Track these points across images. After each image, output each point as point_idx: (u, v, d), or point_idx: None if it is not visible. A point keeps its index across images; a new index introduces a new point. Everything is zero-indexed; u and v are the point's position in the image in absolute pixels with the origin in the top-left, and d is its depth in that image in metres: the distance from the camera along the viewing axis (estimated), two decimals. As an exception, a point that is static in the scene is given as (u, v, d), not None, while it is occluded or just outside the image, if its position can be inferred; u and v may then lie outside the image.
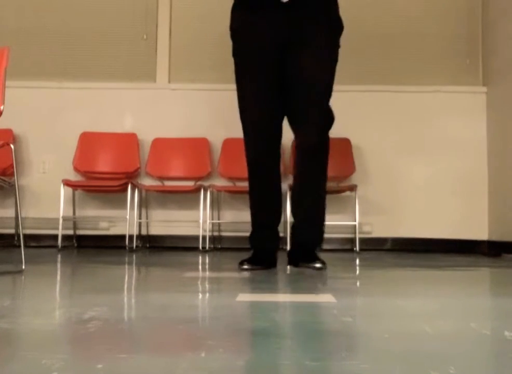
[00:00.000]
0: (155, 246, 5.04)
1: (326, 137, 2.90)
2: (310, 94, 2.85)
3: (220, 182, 5.01)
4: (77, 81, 5.20)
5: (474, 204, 5.09)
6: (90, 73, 5.23)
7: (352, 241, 4.97)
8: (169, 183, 5.08)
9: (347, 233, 5.05)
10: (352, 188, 4.83)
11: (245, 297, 1.93)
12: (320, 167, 2.91)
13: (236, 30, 2.96)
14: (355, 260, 3.98)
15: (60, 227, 4.67)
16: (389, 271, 3.10)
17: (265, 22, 2.86)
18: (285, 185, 2.99)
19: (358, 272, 3.17)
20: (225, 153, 5.02)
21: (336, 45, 2.94)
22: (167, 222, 5.07)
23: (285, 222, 4.14)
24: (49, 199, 4.97)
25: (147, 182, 5.06)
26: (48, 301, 1.82)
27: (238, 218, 4.89)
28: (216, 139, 5.07)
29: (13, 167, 2.91)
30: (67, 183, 4.72)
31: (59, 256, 4.00)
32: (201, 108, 5.14)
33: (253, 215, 3.02)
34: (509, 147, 4.67)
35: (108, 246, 4.90)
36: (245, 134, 2.94)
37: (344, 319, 1.48)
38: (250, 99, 2.91)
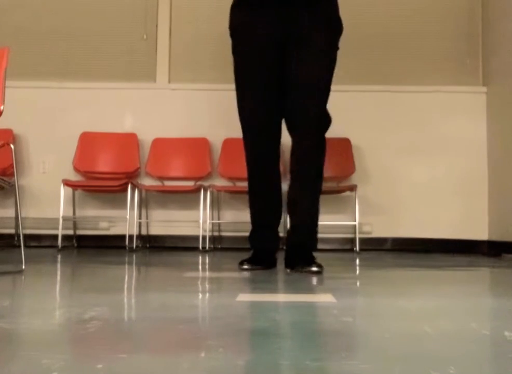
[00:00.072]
0: (155, 246, 5.04)
1: (323, 139, 2.87)
2: (307, 94, 2.83)
3: (220, 182, 5.01)
4: (77, 81, 5.20)
5: (474, 204, 5.09)
6: (90, 73, 5.23)
7: (352, 241, 4.97)
8: (169, 183, 5.08)
9: (347, 233, 5.05)
10: (352, 188, 4.83)
11: (245, 297, 1.93)
12: (316, 169, 2.87)
13: (235, 29, 2.95)
14: (355, 260, 3.98)
15: (60, 227, 4.67)
16: (389, 271, 3.10)
17: (264, 20, 2.85)
18: (286, 185, 2.97)
19: (358, 272, 3.17)
20: (225, 153, 5.02)
21: (335, 46, 2.92)
22: (167, 222, 5.07)
23: (285, 221, 4.15)
24: (49, 199, 4.97)
25: (147, 182, 5.06)
26: (48, 301, 1.82)
27: (238, 218, 4.89)
28: (216, 139, 5.07)
29: (13, 167, 2.91)
30: (67, 183, 4.72)
31: (59, 256, 4.00)
32: (201, 108, 5.14)
33: (253, 215, 3.01)
34: (509, 147, 4.67)
35: (108, 246, 4.90)
36: (244, 134, 2.93)
37: (344, 319, 1.48)
38: (249, 98, 2.90)
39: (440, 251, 4.84)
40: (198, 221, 4.78)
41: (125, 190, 4.72)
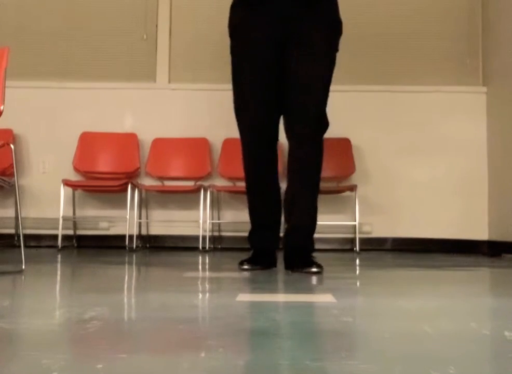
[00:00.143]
0: (154, 246, 5.04)
1: (321, 141, 2.86)
2: (306, 94, 2.81)
3: (220, 182, 5.01)
4: (77, 81, 5.20)
5: (474, 204, 5.09)
6: (90, 73, 5.23)
7: (352, 241, 4.97)
8: (169, 183, 5.08)
9: (347, 233, 5.05)
10: (352, 188, 4.83)
11: (245, 297, 1.93)
12: (313, 171, 2.86)
13: (234, 28, 2.94)
14: (355, 260, 3.98)
15: (60, 227, 4.68)
16: (389, 271, 3.10)
17: (264, 20, 2.84)
18: (283, 184, 2.97)
19: (358, 272, 3.17)
20: (225, 153, 5.02)
21: (335, 48, 2.90)
22: (167, 222, 5.07)
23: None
24: (49, 199, 4.97)
25: (147, 182, 5.06)
26: (48, 301, 1.82)
27: (238, 218, 4.89)
28: (216, 139, 5.07)
29: (13, 167, 2.91)
30: (67, 183, 4.72)
31: (59, 256, 4.00)
32: (201, 108, 5.14)
33: (252, 215, 3.00)
34: (509, 147, 4.67)
35: (108, 246, 4.90)
36: (242, 133, 2.92)
37: (344, 319, 1.48)
38: (247, 97, 2.88)
39: (440, 251, 4.84)
40: (198, 221, 4.78)
41: (125, 190, 4.72)
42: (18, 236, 4.27)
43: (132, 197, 4.73)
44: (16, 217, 4.66)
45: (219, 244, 5.06)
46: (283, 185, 2.97)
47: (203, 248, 4.71)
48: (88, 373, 0.94)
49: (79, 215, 5.05)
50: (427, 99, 5.17)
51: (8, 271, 2.73)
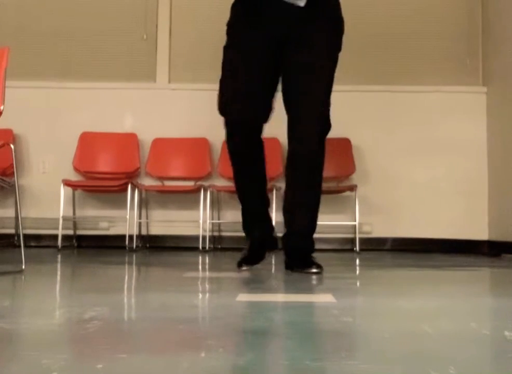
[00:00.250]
0: (154, 246, 5.04)
1: (322, 143, 2.83)
2: (307, 97, 2.77)
3: (220, 182, 5.00)
4: (77, 81, 5.20)
5: (474, 204, 5.09)
6: (90, 73, 5.23)
7: (352, 241, 4.97)
8: (168, 183, 5.08)
9: (347, 233, 5.05)
10: (352, 188, 4.83)
11: (245, 297, 1.93)
12: (315, 171, 2.85)
13: (233, 26, 2.91)
14: (355, 260, 3.98)
15: (60, 227, 4.68)
16: (389, 271, 3.10)
17: (264, 18, 2.82)
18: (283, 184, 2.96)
19: (358, 272, 3.17)
20: (225, 153, 4.98)
21: (338, 47, 2.88)
22: (167, 222, 5.07)
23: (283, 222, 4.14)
24: (49, 199, 4.97)
25: (147, 182, 5.06)
26: (48, 301, 1.82)
27: (238, 218, 4.83)
28: (216, 139, 5.07)
29: (13, 167, 2.91)
30: (67, 183, 4.72)
31: (59, 256, 4.00)
32: (201, 108, 5.13)
33: (242, 203, 3.02)
34: (509, 147, 4.67)
35: (108, 246, 4.90)
36: (228, 126, 2.91)
37: (344, 319, 1.48)
38: (239, 92, 2.79)
39: (440, 251, 4.84)
40: (198, 221, 4.78)
41: (125, 190, 4.72)
42: (18, 236, 4.27)
43: (132, 197, 4.73)
44: (16, 217, 4.66)
45: (219, 244, 5.06)
46: (283, 185, 2.97)
47: (203, 248, 4.71)
48: (88, 373, 0.94)
49: (79, 215, 5.05)
50: (427, 99, 5.17)
51: (8, 271, 2.73)
